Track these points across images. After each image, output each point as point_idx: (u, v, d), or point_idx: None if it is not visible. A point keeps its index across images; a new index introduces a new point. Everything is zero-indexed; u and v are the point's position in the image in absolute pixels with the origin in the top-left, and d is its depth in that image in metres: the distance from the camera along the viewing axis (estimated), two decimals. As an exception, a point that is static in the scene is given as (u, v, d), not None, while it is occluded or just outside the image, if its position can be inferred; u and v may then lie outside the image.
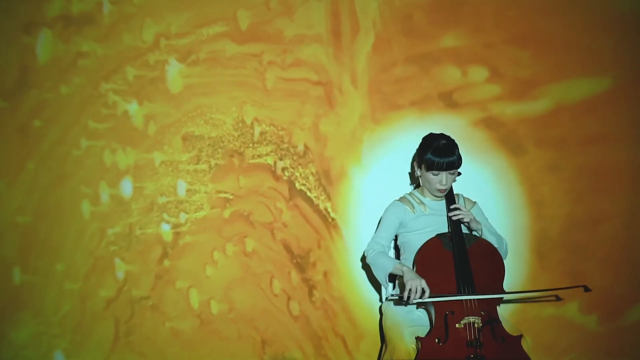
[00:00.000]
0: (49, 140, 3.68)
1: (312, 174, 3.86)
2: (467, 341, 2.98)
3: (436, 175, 3.32)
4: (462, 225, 3.34)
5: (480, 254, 3.22)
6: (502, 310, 3.25)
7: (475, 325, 3.01)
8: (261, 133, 3.83)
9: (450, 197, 3.42)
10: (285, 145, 3.85)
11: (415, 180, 3.74)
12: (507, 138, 3.91)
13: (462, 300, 3.08)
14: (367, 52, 3.87)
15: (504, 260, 3.30)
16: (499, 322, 3.07)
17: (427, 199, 3.45)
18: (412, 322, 3.18)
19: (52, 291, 3.65)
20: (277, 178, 3.84)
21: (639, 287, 3.90)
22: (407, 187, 3.67)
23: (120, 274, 3.72)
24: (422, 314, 3.22)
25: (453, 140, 3.37)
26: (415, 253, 3.25)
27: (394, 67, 3.88)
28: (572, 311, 3.88)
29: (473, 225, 3.33)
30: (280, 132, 3.85)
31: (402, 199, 3.49)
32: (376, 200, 3.72)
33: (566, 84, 3.93)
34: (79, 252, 3.68)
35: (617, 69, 3.93)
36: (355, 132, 3.88)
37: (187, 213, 3.78)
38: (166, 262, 3.76)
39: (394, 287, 3.50)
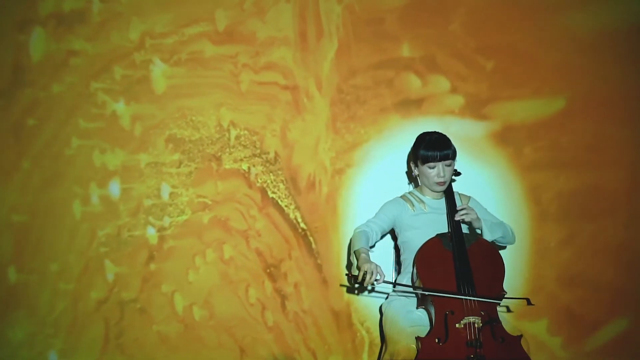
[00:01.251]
0: (43, 139, 3.69)
1: (282, 181, 3.83)
2: (467, 341, 2.96)
3: (433, 168, 3.33)
4: (462, 224, 3.33)
5: (480, 253, 3.21)
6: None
7: (475, 325, 3.00)
8: (237, 137, 3.81)
9: (450, 196, 3.41)
10: (258, 151, 3.82)
11: (412, 180, 3.72)
12: (464, 151, 3.78)
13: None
14: (331, 58, 3.84)
15: (506, 259, 3.29)
16: (499, 322, 3.05)
17: (427, 198, 3.44)
18: (412, 322, 3.15)
19: (46, 291, 3.65)
20: (251, 185, 3.82)
21: (606, 312, 3.84)
22: (377, 198, 3.60)
23: (110, 276, 3.71)
24: (422, 314, 3.19)
25: (445, 135, 3.40)
26: (415, 253, 3.24)
27: (356, 75, 3.84)
28: (541, 330, 3.80)
29: (475, 224, 3.31)
30: (254, 137, 3.82)
31: (402, 197, 3.48)
32: (345, 213, 3.75)
33: (522, 102, 3.87)
34: (72, 252, 3.68)
35: (571, 90, 3.87)
36: (320, 140, 3.84)
37: (170, 217, 3.77)
38: (152, 266, 3.74)
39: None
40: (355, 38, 3.82)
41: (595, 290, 3.84)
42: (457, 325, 3.00)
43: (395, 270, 3.56)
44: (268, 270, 3.80)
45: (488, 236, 3.29)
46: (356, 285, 3.16)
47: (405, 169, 3.78)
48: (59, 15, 3.70)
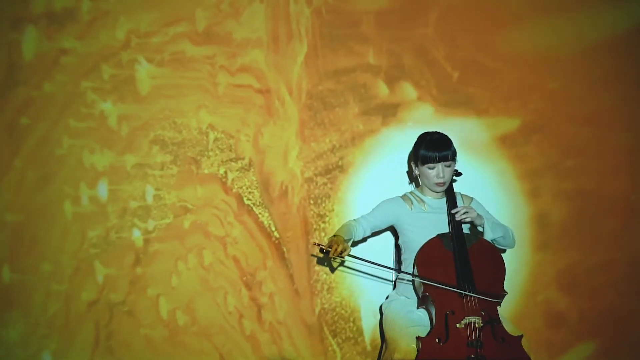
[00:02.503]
0: (35, 138, 3.66)
1: (256, 188, 3.80)
2: (467, 341, 2.98)
3: (433, 168, 3.32)
4: (463, 224, 3.33)
5: (481, 253, 3.22)
6: (503, 310, 3.23)
7: (476, 325, 3.01)
8: (215, 140, 3.78)
9: (450, 196, 3.40)
10: (233, 156, 3.79)
11: (413, 180, 3.78)
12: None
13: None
14: (300, 62, 3.81)
15: (507, 259, 3.30)
16: (500, 322, 3.07)
17: (428, 197, 3.43)
18: (412, 322, 3.16)
19: (40, 291, 3.63)
20: (227, 190, 3.79)
21: (573, 335, 3.86)
22: (350, 208, 3.65)
23: (100, 278, 3.68)
24: (422, 314, 3.20)
25: (446, 135, 3.39)
26: (415, 253, 3.24)
27: (324, 80, 3.83)
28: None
29: (477, 221, 3.32)
30: (230, 141, 3.79)
31: (403, 196, 3.47)
32: (315, 222, 3.75)
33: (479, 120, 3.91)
34: (64, 253, 3.65)
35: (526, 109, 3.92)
36: (290, 147, 3.82)
37: (155, 220, 3.74)
38: (138, 269, 3.72)
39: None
40: (322, 42, 3.81)
41: (564, 312, 3.84)
42: (457, 325, 3.01)
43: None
44: (244, 278, 3.77)
45: (489, 234, 3.29)
46: (325, 258, 3.15)
47: (376, 176, 3.81)
48: (50, 13, 3.67)
